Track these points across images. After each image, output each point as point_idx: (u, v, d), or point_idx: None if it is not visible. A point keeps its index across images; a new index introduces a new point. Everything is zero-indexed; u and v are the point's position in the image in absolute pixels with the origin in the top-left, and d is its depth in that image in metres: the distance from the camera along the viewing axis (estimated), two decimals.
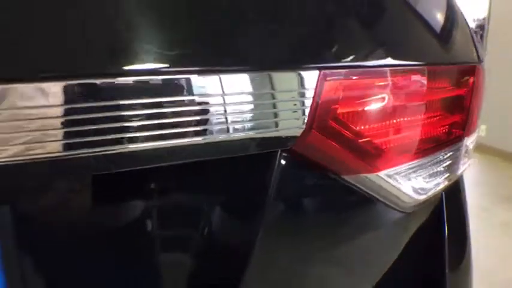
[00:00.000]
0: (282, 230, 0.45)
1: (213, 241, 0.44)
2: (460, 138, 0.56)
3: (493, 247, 2.43)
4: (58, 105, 0.30)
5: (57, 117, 0.30)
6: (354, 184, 0.46)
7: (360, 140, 0.43)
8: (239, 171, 0.42)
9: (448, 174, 0.56)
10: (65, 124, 0.30)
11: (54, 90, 0.30)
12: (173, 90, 0.33)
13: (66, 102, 0.30)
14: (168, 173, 0.40)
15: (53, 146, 0.30)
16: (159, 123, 0.33)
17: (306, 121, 0.38)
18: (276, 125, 0.37)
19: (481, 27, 4.29)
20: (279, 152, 0.40)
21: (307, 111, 0.38)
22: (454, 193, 0.69)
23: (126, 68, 0.32)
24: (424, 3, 0.55)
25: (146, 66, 0.32)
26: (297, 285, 0.51)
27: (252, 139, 0.37)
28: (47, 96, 0.30)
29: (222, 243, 0.45)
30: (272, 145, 0.39)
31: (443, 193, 0.64)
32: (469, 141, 0.59)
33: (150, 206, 0.41)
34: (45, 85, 0.30)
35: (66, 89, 0.30)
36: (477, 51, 0.57)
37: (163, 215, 0.42)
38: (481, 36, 4.28)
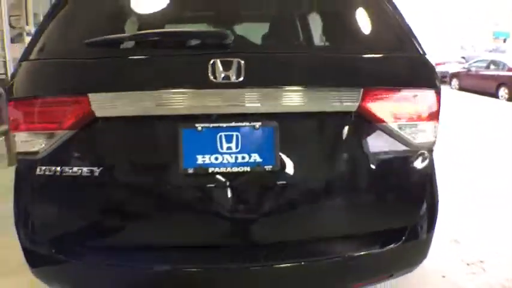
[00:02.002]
0: (352, 143, 1.44)
1: (325, 153, 1.45)
2: (432, 119, 1.49)
3: None
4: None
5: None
6: (379, 126, 1.43)
7: (378, 112, 1.42)
8: (338, 119, 1.43)
9: (428, 135, 1.48)
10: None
11: None
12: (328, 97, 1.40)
13: None
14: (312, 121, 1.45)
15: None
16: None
17: (359, 102, 1.41)
18: (351, 103, 1.40)
19: None
20: (352, 113, 1.42)
21: (360, 99, 1.41)
22: (427, 161, 1.54)
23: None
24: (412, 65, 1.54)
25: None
26: (357, 177, 1.48)
27: (345, 106, 1.41)
28: None
29: (327, 154, 1.45)
30: (349, 109, 1.41)
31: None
32: (437, 124, 1.51)
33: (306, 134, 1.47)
34: None
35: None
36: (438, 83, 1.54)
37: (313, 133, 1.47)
38: None
